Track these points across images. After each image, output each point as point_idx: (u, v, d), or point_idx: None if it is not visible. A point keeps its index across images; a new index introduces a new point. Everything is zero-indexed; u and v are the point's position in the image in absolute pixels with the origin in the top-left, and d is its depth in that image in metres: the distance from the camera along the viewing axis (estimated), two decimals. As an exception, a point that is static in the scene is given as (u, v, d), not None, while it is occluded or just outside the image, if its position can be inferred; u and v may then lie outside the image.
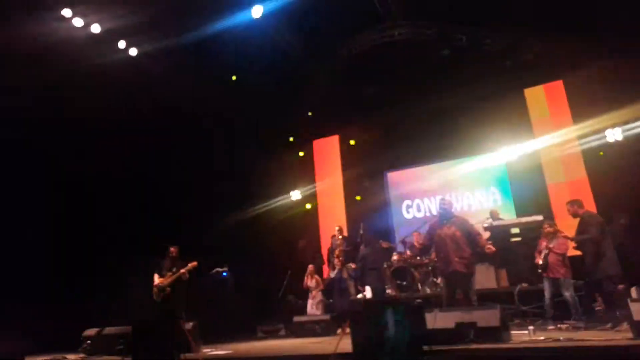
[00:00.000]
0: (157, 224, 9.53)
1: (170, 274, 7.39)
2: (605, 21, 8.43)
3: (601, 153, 9.46)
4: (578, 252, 6.69)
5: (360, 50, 11.30)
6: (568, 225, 6.92)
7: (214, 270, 9.79)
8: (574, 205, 6.65)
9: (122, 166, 9.63)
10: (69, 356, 6.95)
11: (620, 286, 6.46)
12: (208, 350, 6.61)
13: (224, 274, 9.66)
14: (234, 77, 10.86)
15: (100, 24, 8.90)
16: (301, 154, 12.86)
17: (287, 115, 12.03)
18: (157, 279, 7.52)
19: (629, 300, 4.75)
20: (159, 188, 10.14)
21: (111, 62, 9.20)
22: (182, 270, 7.26)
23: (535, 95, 10.61)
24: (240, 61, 10.34)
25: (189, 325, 6.75)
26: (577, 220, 6.60)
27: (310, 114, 12.35)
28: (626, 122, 9.07)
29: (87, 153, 9.30)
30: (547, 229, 7.00)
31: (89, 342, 7.12)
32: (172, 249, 7.63)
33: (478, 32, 10.39)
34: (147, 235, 8.96)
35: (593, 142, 9.45)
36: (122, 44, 9.47)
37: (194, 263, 7.35)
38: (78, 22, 8.69)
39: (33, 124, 8.48)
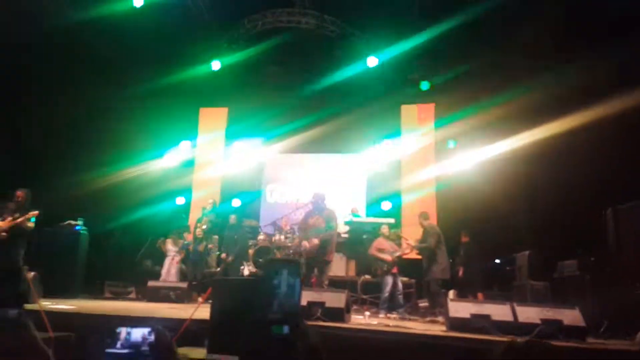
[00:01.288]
0: (16, 166, 8.56)
1: (10, 218, 6.70)
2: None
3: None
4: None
5: (265, 28, 11.31)
6: (411, 232, 7.98)
7: (66, 222, 9.06)
8: (421, 217, 7.84)
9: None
10: None
11: (445, 290, 7.66)
12: (49, 303, 6.17)
13: (77, 227, 8.92)
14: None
15: None
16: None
17: (178, 76, 11.44)
18: None
19: (448, 299, 5.67)
20: (24, 128, 9.09)
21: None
22: (21, 219, 6.63)
23: (409, 112, 11.76)
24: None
25: (30, 274, 6.24)
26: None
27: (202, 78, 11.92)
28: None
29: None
30: (385, 230, 7.93)
31: None
32: (17, 192, 6.92)
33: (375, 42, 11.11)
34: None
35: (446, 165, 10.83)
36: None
37: (35, 212, 6.74)
38: None
39: None
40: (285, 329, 2.71)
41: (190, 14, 10.60)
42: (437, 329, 5.51)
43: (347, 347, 4.55)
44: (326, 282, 6.64)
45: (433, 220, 8.70)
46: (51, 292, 7.23)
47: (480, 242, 8.81)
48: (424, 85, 11.08)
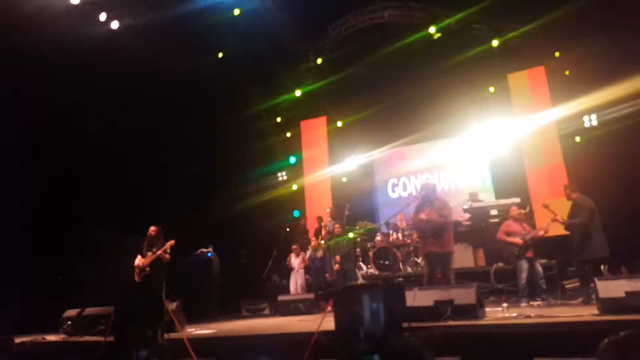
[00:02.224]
0: (142, 203, 9.49)
1: (150, 253, 7.25)
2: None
3: (578, 139, 9.72)
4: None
5: (350, 31, 11.29)
6: (542, 209, 7.21)
7: (199, 251, 9.83)
8: (567, 188, 6.87)
9: (107, 142, 9.54)
10: (49, 337, 6.78)
11: (604, 267, 6.74)
12: (192, 330, 6.59)
13: (209, 254, 9.70)
14: (220, 54, 10.67)
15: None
16: (288, 134, 12.90)
17: (275, 96, 11.96)
18: (138, 260, 7.41)
19: (595, 278, 4.99)
20: (146, 166, 10.08)
21: (91, 34, 8.98)
22: (160, 252, 7.14)
23: (518, 80, 10.79)
24: (227, 38, 10.22)
25: (173, 305, 6.69)
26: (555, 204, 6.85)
27: (299, 93, 12.29)
28: (602, 108, 9.31)
29: (67, 127, 9.14)
30: (514, 212, 7.27)
31: (69, 322, 6.96)
32: (151, 228, 7.46)
33: (465, 16, 10.43)
34: (133, 214, 8.92)
35: (570, 128, 9.69)
36: (103, 17, 9.26)
37: (172, 242, 7.19)
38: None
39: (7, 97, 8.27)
40: (376, 358, 2.58)
41: (277, 37, 10.95)
42: (588, 313, 4.88)
43: (485, 345, 4.22)
44: (452, 277, 6.25)
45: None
46: (193, 318, 7.71)
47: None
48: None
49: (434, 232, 6.17)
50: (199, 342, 5.17)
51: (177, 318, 6.29)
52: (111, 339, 5.32)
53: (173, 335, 5.51)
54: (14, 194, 8.44)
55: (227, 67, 10.94)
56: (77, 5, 8.79)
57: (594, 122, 9.52)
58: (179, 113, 10.76)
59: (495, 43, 10.35)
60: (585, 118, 9.59)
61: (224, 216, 10.80)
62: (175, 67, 10.40)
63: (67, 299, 7.82)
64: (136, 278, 7.29)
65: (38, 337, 6.71)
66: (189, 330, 6.61)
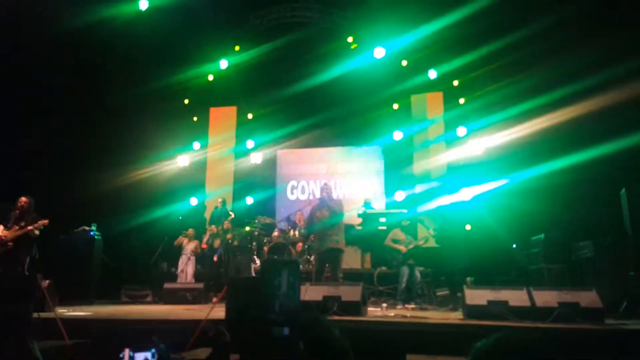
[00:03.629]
0: (25, 173, 8.78)
1: (17, 227, 6.68)
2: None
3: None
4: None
5: (272, 24, 11.33)
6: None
7: (81, 228, 9.11)
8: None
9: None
10: None
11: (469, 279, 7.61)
12: (65, 311, 6.18)
13: (92, 233, 9.04)
14: (144, 4, 9.86)
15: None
16: (195, 119, 12.54)
17: (186, 76, 11.54)
18: (0, 231, 6.75)
19: (464, 286, 5.65)
20: (35, 133, 9.27)
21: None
22: (29, 227, 6.61)
23: (419, 101, 11.70)
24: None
25: (45, 282, 6.28)
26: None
27: (210, 78, 12.00)
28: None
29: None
30: (405, 222, 7.93)
31: None
32: (21, 199, 6.84)
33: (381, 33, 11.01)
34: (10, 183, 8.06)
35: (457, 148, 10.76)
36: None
37: (44, 221, 6.70)
38: None
39: None
40: (286, 330, 2.74)
41: (195, 14, 10.59)
42: (454, 318, 5.51)
43: (365, 340, 4.58)
44: (341, 276, 6.66)
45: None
46: (67, 300, 7.21)
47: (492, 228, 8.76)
48: (433, 74, 10.94)
49: (329, 228, 6.54)
50: (73, 323, 4.88)
51: (49, 297, 5.86)
52: None
53: (44, 314, 5.13)
54: None
55: (136, 37, 10.29)
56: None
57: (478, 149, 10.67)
58: (83, 80, 9.95)
59: (404, 63, 11.11)
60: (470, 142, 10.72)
61: (112, 194, 10.14)
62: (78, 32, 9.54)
63: None
64: None
65: None
66: (61, 311, 6.12)
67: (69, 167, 9.90)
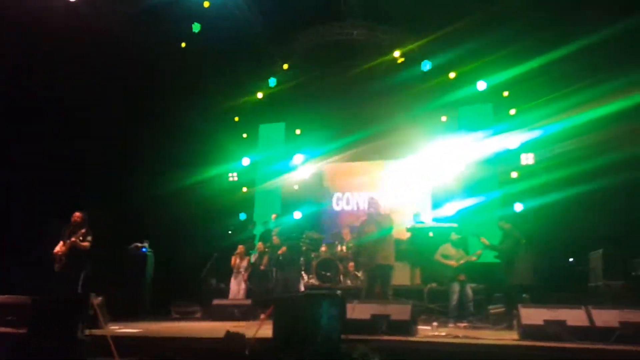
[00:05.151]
0: (78, 189, 9.14)
1: (68, 242, 6.71)
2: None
3: (515, 175, 10.46)
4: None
5: (320, 42, 11.52)
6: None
7: (133, 245, 9.34)
8: (501, 220, 7.53)
9: (45, 123, 9.12)
10: None
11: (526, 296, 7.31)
12: (117, 328, 6.19)
13: (144, 249, 9.23)
14: (183, 44, 10.37)
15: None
16: (245, 135, 12.88)
17: (236, 95, 11.90)
18: (57, 247, 6.84)
19: (519, 305, 5.43)
20: (88, 150, 9.74)
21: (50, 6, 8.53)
22: (73, 239, 6.63)
23: (468, 113, 11.47)
24: (194, 30, 10.11)
25: (97, 299, 6.29)
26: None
27: (260, 96, 12.31)
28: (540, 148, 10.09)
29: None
30: (454, 236, 7.73)
31: None
32: (75, 214, 6.89)
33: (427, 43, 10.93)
34: (65, 199, 8.47)
35: (508, 163, 10.41)
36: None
37: (87, 232, 6.74)
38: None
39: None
40: None
41: (244, 36, 10.95)
42: (509, 338, 5.30)
43: (415, 361, 4.49)
44: (391, 293, 6.58)
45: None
46: (119, 316, 7.11)
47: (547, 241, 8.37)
48: (482, 86, 10.70)
49: (377, 244, 6.49)
50: (124, 341, 4.86)
51: (100, 313, 5.94)
52: (23, 330, 4.90)
53: (95, 331, 5.10)
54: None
55: (189, 58, 10.77)
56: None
57: (530, 160, 10.28)
58: (136, 99, 10.50)
59: (452, 75, 10.94)
60: (523, 156, 10.34)
61: (165, 212, 10.50)
62: (134, 51, 10.10)
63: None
64: (55, 267, 6.77)
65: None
66: (113, 328, 6.06)
67: (121, 184, 10.26)
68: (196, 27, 10.14)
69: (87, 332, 4.86)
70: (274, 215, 10.02)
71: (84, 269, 6.79)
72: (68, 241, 6.68)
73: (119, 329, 6.17)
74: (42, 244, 7.52)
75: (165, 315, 9.09)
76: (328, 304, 3.02)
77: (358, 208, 11.75)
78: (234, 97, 12.08)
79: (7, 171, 8.72)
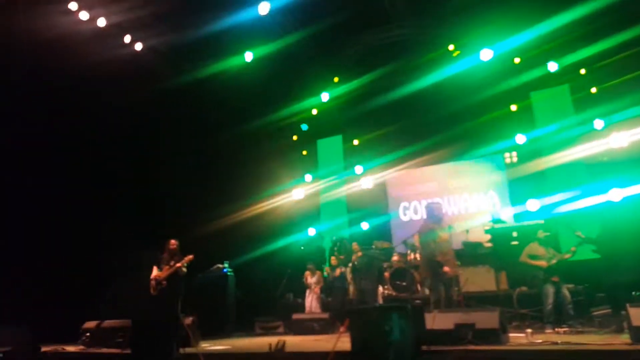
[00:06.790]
0: (159, 218, 9.63)
1: (167, 267, 7.27)
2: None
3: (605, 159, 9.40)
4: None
5: (368, 49, 11.32)
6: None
7: (215, 267, 9.84)
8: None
9: (123, 161, 9.70)
10: (68, 347, 7.00)
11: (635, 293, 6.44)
12: (207, 345, 6.62)
13: (225, 270, 9.71)
14: (249, 56, 10.58)
15: (106, 18, 8.93)
16: (304, 152, 12.95)
17: (292, 114, 12.02)
18: (155, 272, 7.43)
19: (627, 304, 4.72)
20: (162, 182, 10.24)
21: (115, 56, 9.21)
22: (178, 264, 7.14)
23: (542, 99, 10.54)
24: (244, 59, 10.35)
25: (188, 319, 6.80)
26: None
27: (314, 112, 12.33)
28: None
29: (87, 147, 9.28)
30: (540, 234, 7.06)
31: (88, 334, 7.23)
32: (171, 241, 7.52)
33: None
34: (150, 229, 9.05)
35: (595, 147, 9.38)
36: (127, 39, 9.50)
37: (190, 257, 7.23)
38: (84, 15, 8.72)
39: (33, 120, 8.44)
40: None
41: (293, 56, 11.03)
42: (620, 342, 4.60)
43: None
44: (460, 298, 6.16)
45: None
46: (208, 334, 7.76)
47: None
48: (553, 67, 9.77)
49: (445, 252, 6.27)
50: (214, 358, 5.18)
51: (192, 333, 6.31)
52: (128, 351, 5.37)
53: (188, 350, 5.59)
54: (35, 210, 8.54)
55: (243, 83, 11.04)
56: (103, 29, 9.05)
57: (623, 143, 9.19)
58: (199, 129, 10.94)
59: (517, 60, 10.16)
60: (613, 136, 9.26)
61: (238, 233, 10.76)
62: (193, 86, 10.59)
63: (86, 310, 7.97)
64: (152, 291, 7.27)
65: (58, 348, 6.85)
66: (204, 345, 6.60)
67: (195, 208, 10.61)
68: (248, 57, 10.32)
69: (181, 350, 5.34)
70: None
71: (181, 292, 7.28)
72: (167, 266, 7.23)
73: (209, 346, 6.63)
74: (133, 270, 8.24)
75: (251, 331, 9.42)
76: (398, 316, 2.75)
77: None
78: (290, 117, 12.15)
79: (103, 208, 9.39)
